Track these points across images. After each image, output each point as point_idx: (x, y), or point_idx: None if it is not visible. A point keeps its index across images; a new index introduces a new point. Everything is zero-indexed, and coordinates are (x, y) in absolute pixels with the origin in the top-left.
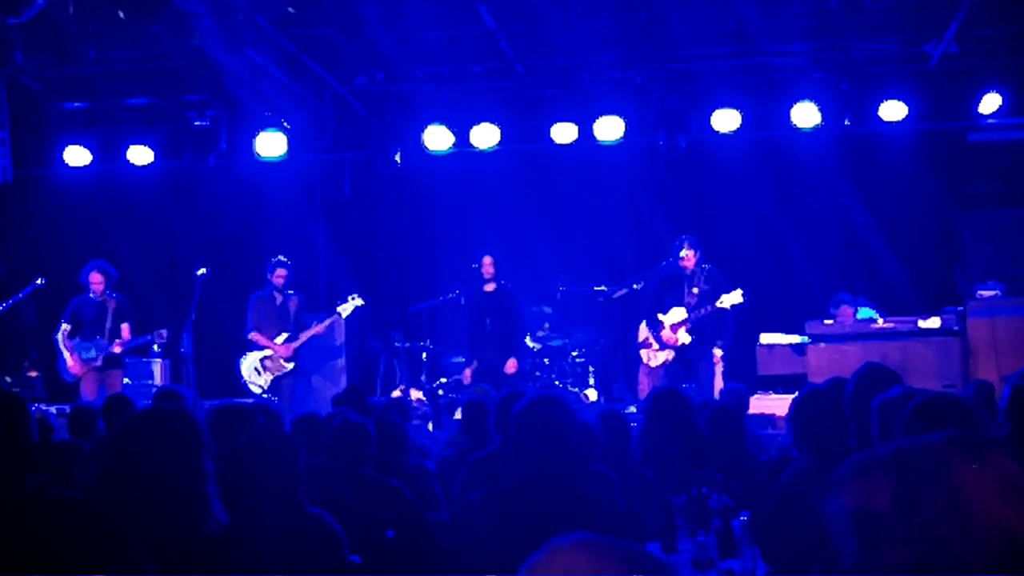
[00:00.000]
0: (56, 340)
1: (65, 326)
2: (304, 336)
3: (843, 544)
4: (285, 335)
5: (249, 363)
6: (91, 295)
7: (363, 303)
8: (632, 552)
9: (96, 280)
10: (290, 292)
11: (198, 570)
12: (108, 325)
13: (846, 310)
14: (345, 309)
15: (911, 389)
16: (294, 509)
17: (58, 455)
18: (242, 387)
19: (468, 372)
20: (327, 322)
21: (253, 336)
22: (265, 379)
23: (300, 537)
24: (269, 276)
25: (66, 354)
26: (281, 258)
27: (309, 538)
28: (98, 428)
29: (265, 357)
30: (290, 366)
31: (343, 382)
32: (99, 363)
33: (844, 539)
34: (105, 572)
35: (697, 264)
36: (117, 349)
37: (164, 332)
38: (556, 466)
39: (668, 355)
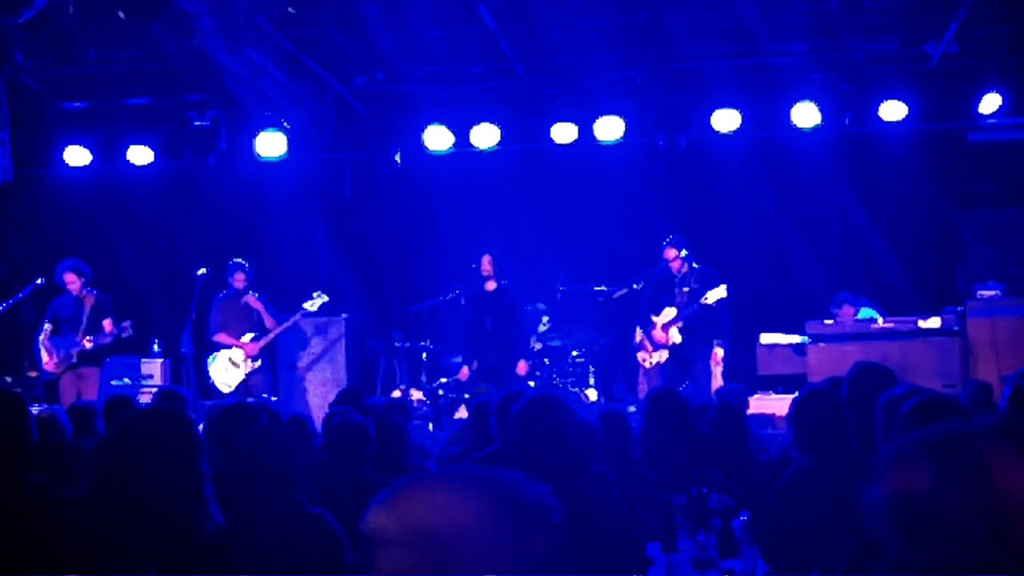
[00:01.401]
0: (37, 340)
1: (47, 326)
2: (270, 335)
3: (878, 535)
4: (251, 335)
5: (218, 363)
6: (70, 294)
7: (328, 299)
8: (495, 483)
9: (70, 280)
10: (252, 292)
11: (198, 570)
12: (84, 322)
13: (847, 310)
14: (311, 305)
15: (914, 387)
16: (294, 509)
17: (58, 455)
18: (210, 387)
19: (465, 370)
20: (291, 320)
21: (218, 338)
22: (234, 377)
23: (300, 537)
24: (229, 279)
25: (43, 351)
26: (239, 261)
27: (309, 538)
28: (98, 428)
29: (233, 356)
30: (257, 364)
31: (343, 382)
32: (74, 360)
33: (879, 530)
34: (105, 573)
35: (688, 264)
36: (88, 344)
37: (128, 324)
38: (556, 466)
39: (662, 355)
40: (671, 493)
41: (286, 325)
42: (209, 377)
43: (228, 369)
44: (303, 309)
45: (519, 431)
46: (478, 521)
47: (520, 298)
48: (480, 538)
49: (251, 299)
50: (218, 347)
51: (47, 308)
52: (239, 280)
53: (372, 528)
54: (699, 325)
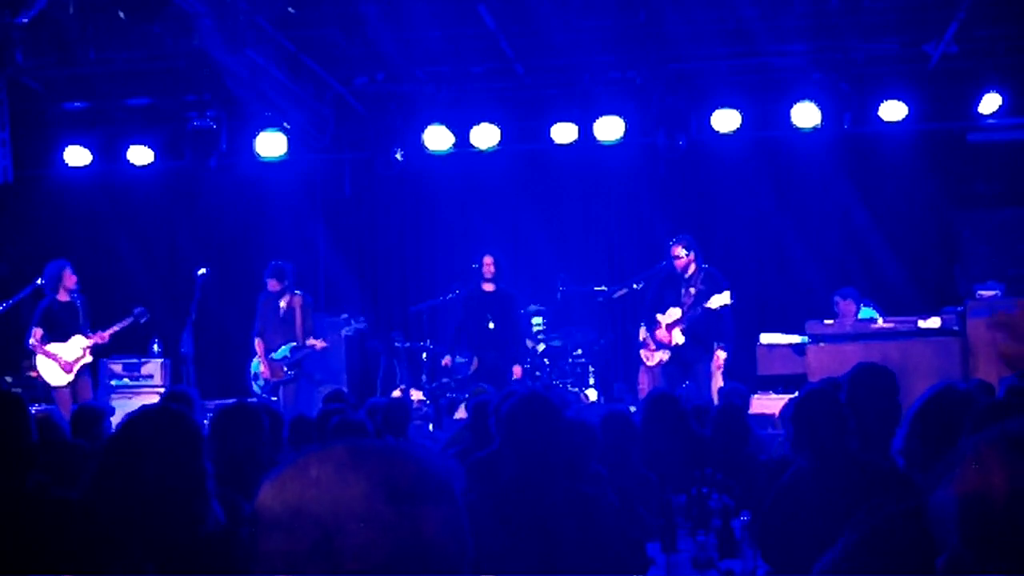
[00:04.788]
0: (32, 346)
1: (37, 331)
2: (303, 352)
3: (946, 536)
4: (291, 344)
5: (256, 363)
6: (56, 296)
7: (364, 326)
8: (382, 459)
9: (72, 282)
10: (296, 292)
11: (198, 570)
12: (83, 323)
13: (850, 305)
14: (348, 331)
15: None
16: None
17: (57, 455)
18: (247, 386)
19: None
20: (325, 342)
21: (256, 342)
22: (266, 381)
23: None
24: (265, 281)
25: (57, 354)
26: (276, 263)
27: None
28: (103, 430)
29: (267, 364)
30: (289, 374)
31: (344, 382)
32: (88, 358)
33: (946, 529)
34: (105, 573)
35: (696, 264)
36: (102, 339)
37: (142, 310)
38: (548, 465)
39: (664, 355)
40: (671, 493)
41: (318, 345)
42: (249, 375)
43: (262, 373)
44: (340, 334)
45: (507, 430)
46: (363, 500)
47: (518, 300)
48: (365, 519)
49: (299, 305)
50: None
51: (34, 313)
52: (272, 286)
53: (257, 508)
54: (702, 329)
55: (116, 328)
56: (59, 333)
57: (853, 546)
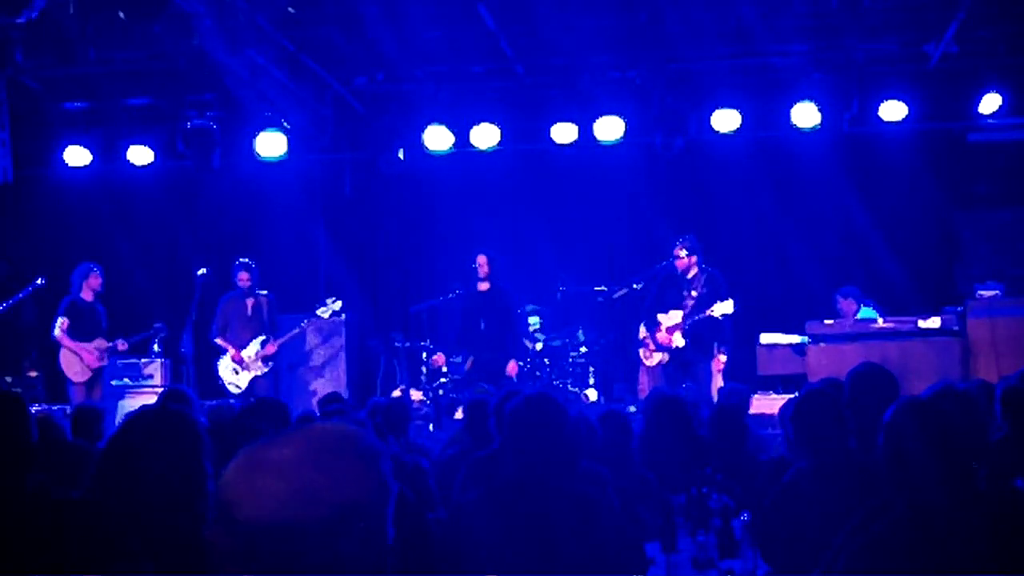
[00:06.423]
0: (57, 337)
1: (64, 320)
2: (278, 342)
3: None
4: (261, 338)
5: (226, 364)
6: (82, 297)
7: (341, 306)
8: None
9: (98, 283)
10: (261, 292)
11: (198, 571)
12: (104, 327)
13: (851, 304)
14: (324, 312)
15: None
16: None
17: (57, 455)
18: (220, 388)
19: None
20: (304, 325)
21: (219, 340)
22: (243, 379)
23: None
24: (234, 279)
25: (84, 349)
26: (244, 260)
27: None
28: (102, 429)
29: (240, 359)
30: (267, 368)
31: (343, 382)
32: (105, 361)
33: None
34: (105, 573)
35: (698, 266)
36: (123, 347)
37: (161, 325)
38: (550, 464)
39: (663, 356)
40: (671, 493)
41: (295, 332)
42: (219, 378)
43: (237, 371)
44: (315, 315)
45: (512, 430)
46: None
47: (514, 298)
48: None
49: (265, 304)
50: (223, 349)
51: (60, 305)
52: (243, 280)
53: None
54: (702, 332)
55: (136, 339)
56: (82, 332)
57: (853, 552)
